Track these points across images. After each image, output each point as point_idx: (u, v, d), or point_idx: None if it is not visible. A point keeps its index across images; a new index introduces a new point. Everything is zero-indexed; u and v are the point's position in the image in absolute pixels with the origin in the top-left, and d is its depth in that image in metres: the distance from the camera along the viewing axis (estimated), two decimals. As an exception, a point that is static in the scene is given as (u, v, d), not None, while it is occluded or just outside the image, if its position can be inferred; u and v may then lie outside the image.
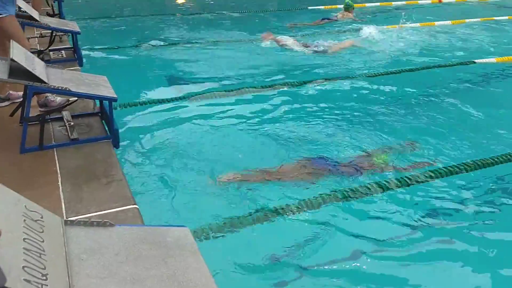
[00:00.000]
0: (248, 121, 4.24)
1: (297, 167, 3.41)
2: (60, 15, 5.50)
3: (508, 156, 3.48)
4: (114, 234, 1.39)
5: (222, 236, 2.67)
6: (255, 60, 6.02)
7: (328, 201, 2.99)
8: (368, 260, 2.57)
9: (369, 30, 7.01)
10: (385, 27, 7.46)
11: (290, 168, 3.41)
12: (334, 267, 2.55)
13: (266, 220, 2.81)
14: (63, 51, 4.61)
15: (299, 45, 6.47)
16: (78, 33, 4.28)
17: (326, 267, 2.54)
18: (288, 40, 6.57)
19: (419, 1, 10.15)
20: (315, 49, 6.33)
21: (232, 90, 4.85)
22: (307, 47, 6.43)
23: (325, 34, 7.38)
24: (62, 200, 2.29)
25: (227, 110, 4.45)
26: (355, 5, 8.88)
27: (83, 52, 4.61)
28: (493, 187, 3.31)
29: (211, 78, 5.39)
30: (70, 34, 4.52)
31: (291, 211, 2.89)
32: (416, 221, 2.91)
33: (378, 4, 10.10)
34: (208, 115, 4.32)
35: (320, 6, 9.75)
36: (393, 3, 10.04)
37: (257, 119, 4.29)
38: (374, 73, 5.49)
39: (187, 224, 1.61)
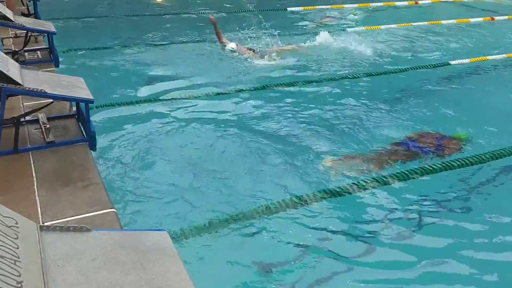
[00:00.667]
0: (228, 122, 4.26)
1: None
2: (36, 15, 5.38)
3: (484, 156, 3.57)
4: (91, 239, 1.37)
5: (203, 238, 2.67)
6: (232, 62, 6.03)
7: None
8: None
9: (324, 36, 6.83)
10: (362, 28, 7.58)
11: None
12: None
13: (250, 219, 2.83)
14: (38, 52, 4.51)
15: (245, 51, 6.28)
16: (54, 33, 4.20)
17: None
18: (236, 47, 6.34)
19: (396, 3, 10.30)
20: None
21: (212, 92, 4.85)
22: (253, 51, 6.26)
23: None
24: (38, 205, 2.24)
25: (207, 111, 4.44)
26: (334, 6, 8.99)
27: (59, 53, 4.53)
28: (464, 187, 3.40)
29: (189, 78, 5.37)
30: (45, 34, 4.43)
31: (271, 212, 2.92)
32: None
33: (356, 5, 10.22)
34: (187, 116, 4.30)
35: (299, 8, 9.82)
36: (371, 4, 10.18)
37: (236, 120, 4.31)
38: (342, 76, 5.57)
39: (166, 227, 1.61)
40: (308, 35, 7.16)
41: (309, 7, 9.53)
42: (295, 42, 6.78)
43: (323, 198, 3.07)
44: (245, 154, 3.68)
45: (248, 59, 6.10)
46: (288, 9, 9.51)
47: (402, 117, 4.47)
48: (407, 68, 5.81)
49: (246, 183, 3.26)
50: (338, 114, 4.53)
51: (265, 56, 6.18)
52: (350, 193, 3.14)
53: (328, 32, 6.98)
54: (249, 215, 2.87)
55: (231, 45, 6.31)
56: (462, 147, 3.75)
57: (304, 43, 6.75)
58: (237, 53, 6.24)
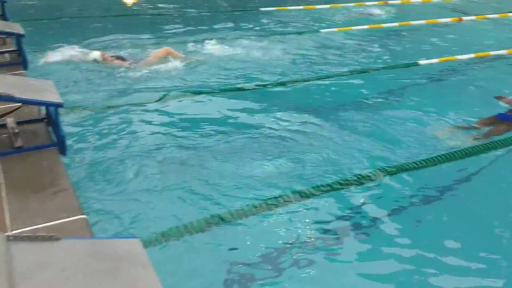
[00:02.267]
0: (200, 124, 4.26)
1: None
2: (4, 16, 5.26)
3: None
4: (60, 248, 1.36)
5: (177, 243, 2.66)
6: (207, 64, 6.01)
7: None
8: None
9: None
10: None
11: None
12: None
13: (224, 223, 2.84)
14: (6, 55, 4.42)
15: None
16: (23, 35, 4.11)
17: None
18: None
19: (341, 4, 10.42)
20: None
21: (183, 94, 4.84)
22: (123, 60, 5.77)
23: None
24: (7, 212, 2.20)
25: (179, 114, 4.43)
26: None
27: (28, 55, 4.43)
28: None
29: (160, 81, 5.33)
30: (14, 36, 4.34)
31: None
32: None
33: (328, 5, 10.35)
34: (158, 120, 4.28)
35: (272, 8, 9.88)
36: (317, 6, 10.22)
37: (208, 122, 4.31)
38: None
39: (138, 234, 1.60)
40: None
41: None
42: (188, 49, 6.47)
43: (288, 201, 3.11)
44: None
45: (119, 68, 5.60)
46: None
47: (370, 121, 4.54)
48: (380, 68, 5.92)
49: (215, 187, 3.26)
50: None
51: (141, 64, 5.65)
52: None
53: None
54: (224, 217, 2.89)
55: (94, 55, 5.72)
56: None
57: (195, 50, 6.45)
58: (102, 63, 5.66)
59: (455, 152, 3.70)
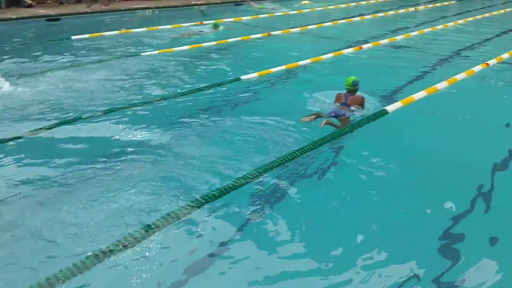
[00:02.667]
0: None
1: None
2: None
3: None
4: None
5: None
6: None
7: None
8: None
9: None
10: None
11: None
12: None
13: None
14: None
15: None
16: None
17: None
18: None
19: (158, 27, 10.58)
20: None
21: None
22: None
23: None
24: None
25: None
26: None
27: None
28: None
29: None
30: None
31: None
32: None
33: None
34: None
35: (85, 35, 9.31)
36: (133, 30, 10.17)
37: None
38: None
39: None
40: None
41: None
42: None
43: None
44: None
45: None
46: None
47: (207, 133, 4.55)
48: (205, 86, 5.99)
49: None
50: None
51: None
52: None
53: None
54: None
55: None
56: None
57: None
58: None
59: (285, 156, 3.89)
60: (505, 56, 7.83)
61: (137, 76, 6.59)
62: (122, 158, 4.04)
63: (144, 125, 4.76)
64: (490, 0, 17.80)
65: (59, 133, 4.54)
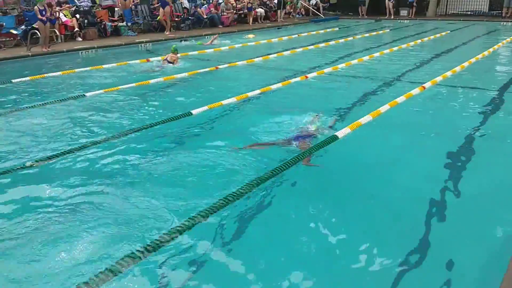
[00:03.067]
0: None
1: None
2: None
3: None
4: None
5: None
6: None
7: None
8: None
9: None
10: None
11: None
12: None
13: None
14: None
15: None
16: None
17: None
18: None
19: (103, 66, 10.46)
20: None
21: None
22: None
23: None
24: None
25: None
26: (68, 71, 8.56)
27: None
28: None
29: None
30: None
31: None
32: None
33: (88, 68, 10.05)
34: None
35: (27, 78, 9.03)
36: (76, 70, 10.01)
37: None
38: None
39: None
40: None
41: None
42: None
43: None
44: None
45: None
46: None
47: (158, 171, 4.49)
48: (156, 123, 5.94)
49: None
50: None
51: None
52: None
53: None
54: None
55: None
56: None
57: None
58: None
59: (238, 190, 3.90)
60: (438, 78, 8.38)
61: (82, 117, 6.42)
62: (68, 204, 3.87)
63: (91, 168, 4.62)
64: (421, 28, 19.14)
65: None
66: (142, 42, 14.24)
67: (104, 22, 15.20)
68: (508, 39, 14.24)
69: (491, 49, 12.16)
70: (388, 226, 3.54)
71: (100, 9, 15.95)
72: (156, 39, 14.86)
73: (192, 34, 16.24)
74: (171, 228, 3.36)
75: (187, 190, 4.11)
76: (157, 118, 6.19)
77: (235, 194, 3.83)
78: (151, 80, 8.72)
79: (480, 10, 22.75)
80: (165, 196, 3.96)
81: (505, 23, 19.51)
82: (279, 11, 21.84)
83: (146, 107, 7.06)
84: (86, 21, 14.63)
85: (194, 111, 6.39)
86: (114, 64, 10.67)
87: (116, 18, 15.98)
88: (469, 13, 22.88)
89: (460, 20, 21.07)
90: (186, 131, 5.79)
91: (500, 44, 13.24)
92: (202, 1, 19.87)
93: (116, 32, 15.65)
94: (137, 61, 11.25)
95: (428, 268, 2.98)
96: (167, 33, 15.95)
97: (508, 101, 7.06)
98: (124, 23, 15.92)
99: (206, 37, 15.40)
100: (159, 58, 10.87)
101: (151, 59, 11.45)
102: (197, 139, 5.54)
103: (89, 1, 15.75)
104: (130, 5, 16.31)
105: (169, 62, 10.47)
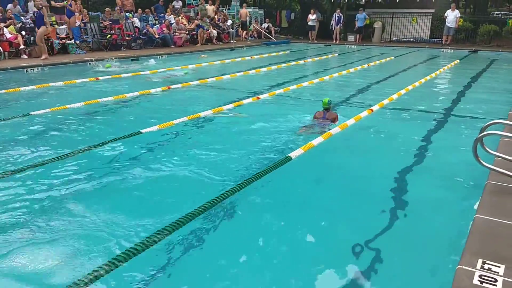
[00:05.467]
0: None
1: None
2: None
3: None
4: None
5: None
6: None
7: None
8: None
9: None
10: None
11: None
12: None
13: None
14: None
15: None
16: None
17: None
18: None
19: (49, 84, 10.08)
20: None
21: None
22: None
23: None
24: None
25: None
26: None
27: None
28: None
29: None
30: None
31: None
32: None
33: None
34: None
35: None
36: (21, 88, 9.53)
37: None
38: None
39: None
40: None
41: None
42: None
43: None
44: None
45: None
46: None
47: (105, 192, 4.32)
48: (103, 142, 5.74)
49: None
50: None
51: None
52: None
53: None
54: None
55: None
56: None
57: None
58: None
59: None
60: (385, 102, 8.72)
61: (28, 137, 6.11)
62: (6, 226, 3.63)
63: (36, 190, 4.38)
64: (368, 53, 19.98)
65: None
66: (91, 60, 13.88)
67: (51, 40, 14.71)
68: (449, 65, 15.13)
69: (433, 74, 12.86)
70: (342, 239, 3.57)
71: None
72: (106, 57, 14.54)
73: (144, 54, 16.05)
74: (117, 255, 3.21)
75: (135, 212, 3.96)
76: (105, 137, 5.98)
77: (183, 219, 3.73)
78: (100, 99, 8.47)
79: (422, 37, 24.09)
80: (114, 218, 3.80)
81: (445, 50, 20.75)
82: (245, 31, 22.15)
83: (94, 126, 6.84)
84: (32, 38, 14.09)
85: (144, 130, 6.24)
86: (61, 83, 10.30)
87: (63, 35, 15.51)
88: (411, 40, 24.16)
89: (404, 46, 22.19)
90: (135, 150, 5.63)
91: (441, 69, 14.02)
92: (154, 21, 19.76)
93: (64, 50, 15.18)
94: (86, 79, 10.93)
95: None
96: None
97: (449, 121, 7.47)
98: (73, 41, 15.49)
99: (110, 59, 14.13)
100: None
101: (100, 78, 11.17)
102: (146, 158, 5.40)
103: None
104: (75, 22, 15.86)
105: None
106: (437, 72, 13.44)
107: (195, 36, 20.41)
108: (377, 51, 20.76)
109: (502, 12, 32.66)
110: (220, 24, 22.23)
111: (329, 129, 6.34)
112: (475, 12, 28.24)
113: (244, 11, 23.63)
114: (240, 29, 23.95)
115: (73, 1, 16.25)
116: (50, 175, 4.74)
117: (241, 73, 12.73)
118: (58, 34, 15.42)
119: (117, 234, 3.54)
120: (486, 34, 21.88)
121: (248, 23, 24.46)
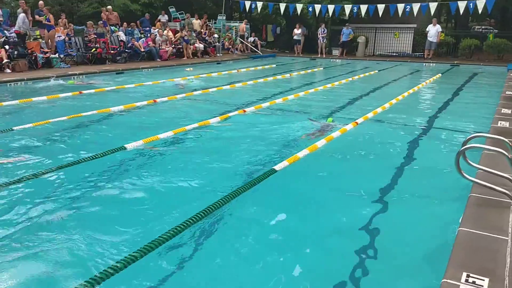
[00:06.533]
0: None
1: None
2: None
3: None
4: None
5: None
6: None
7: None
8: None
9: None
10: None
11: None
12: None
13: None
14: None
15: None
16: None
17: None
18: None
19: (32, 99, 9.94)
20: None
21: None
22: None
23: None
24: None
25: None
26: None
27: None
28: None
29: None
30: None
31: None
32: None
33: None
34: None
35: None
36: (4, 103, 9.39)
37: None
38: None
39: None
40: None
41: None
42: None
43: None
44: None
45: None
46: None
47: (87, 209, 4.25)
48: (87, 158, 5.66)
49: None
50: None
51: None
52: None
53: None
54: None
55: None
56: None
57: None
58: None
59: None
60: (370, 115, 8.81)
61: (9, 152, 6.00)
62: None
63: (17, 206, 4.29)
64: (352, 67, 20.24)
65: None
66: (75, 74, 13.78)
67: (35, 54, 14.59)
68: (431, 79, 15.39)
69: (416, 88, 13.05)
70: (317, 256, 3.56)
71: (31, 40, 15.32)
72: (90, 71, 14.46)
73: (129, 67, 16.01)
74: (102, 272, 3.14)
75: (117, 231, 3.90)
76: (88, 152, 5.90)
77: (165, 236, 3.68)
78: (83, 113, 8.39)
79: (405, 51, 24.52)
80: (94, 236, 3.74)
81: (427, 64, 21.12)
82: (240, 44, 22.27)
83: (77, 141, 6.75)
84: (16, 52, 13.95)
85: (128, 145, 6.18)
86: (44, 97, 10.18)
87: (47, 49, 15.39)
88: (394, 54, 24.57)
89: (387, 60, 22.54)
90: (119, 166, 5.57)
91: (424, 83, 14.25)
92: (140, 35, 19.77)
93: (48, 64, 15.05)
94: (69, 93, 10.84)
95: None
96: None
97: (432, 134, 7.57)
98: (57, 55, 15.38)
99: (75, 77, 13.57)
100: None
101: (84, 91, 11.09)
102: (130, 174, 5.33)
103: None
104: (55, 36, 15.76)
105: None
106: (420, 85, 13.65)
107: (181, 50, 20.45)
108: (361, 65, 21.04)
109: (483, 27, 33.57)
110: (206, 38, 22.33)
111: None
112: (456, 26, 28.91)
113: (242, 25, 25.37)
114: (226, 42, 24.14)
115: (51, 15, 16.14)
116: (31, 191, 4.65)
117: (228, 86, 12.76)
118: (42, 48, 15.30)
119: (98, 251, 3.48)
120: (467, 48, 22.36)
121: (234, 37, 24.72)
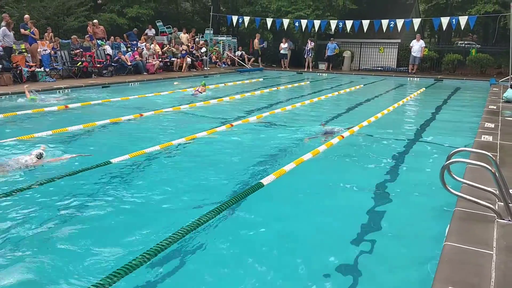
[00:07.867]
0: None
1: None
2: None
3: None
4: None
5: None
6: None
7: None
8: None
9: None
10: None
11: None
12: None
13: None
14: None
15: None
16: None
17: None
18: None
19: (17, 113, 9.86)
20: None
21: None
22: None
23: None
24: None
25: None
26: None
27: None
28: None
29: None
30: None
31: None
32: None
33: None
34: None
35: None
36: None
37: None
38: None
39: None
40: None
41: None
42: None
43: None
44: None
45: None
46: None
47: (72, 225, 4.18)
48: (69, 173, 5.59)
49: None
50: None
51: None
52: None
53: None
54: None
55: None
56: None
57: None
58: None
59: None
60: (356, 128, 8.88)
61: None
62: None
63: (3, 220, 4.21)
64: (338, 81, 20.45)
65: None
66: (61, 88, 13.67)
67: (20, 67, 14.45)
68: (416, 93, 15.62)
69: (400, 102, 13.23)
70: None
71: (16, 53, 15.19)
72: (76, 85, 14.36)
73: (115, 81, 15.94)
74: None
75: (102, 247, 3.84)
76: (74, 168, 5.83)
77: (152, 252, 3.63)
78: (68, 128, 8.30)
79: (389, 66, 24.89)
80: (76, 253, 3.67)
81: (411, 78, 21.46)
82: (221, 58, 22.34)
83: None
84: (0, 66, 13.80)
85: (113, 160, 6.11)
86: (29, 111, 10.07)
87: (32, 63, 15.26)
88: (379, 68, 24.92)
89: (372, 75, 22.84)
90: (104, 181, 5.50)
91: (408, 97, 14.45)
92: (126, 49, 19.75)
93: (33, 77, 14.92)
94: (55, 108, 10.73)
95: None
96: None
97: (417, 149, 7.65)
98: (42, 69, 15.26)
99: (32, 92, 12.28)
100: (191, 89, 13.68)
101: (69, 106, 10.99)
102: (115, 189, 5.27)
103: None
104: (37, 50, 15.65)
105: (200, 92, 13.71)
106: (404, 100, 13.84)
107: (168, 64, 20.46)
108: (347, 79, 21.28)
109: (465, 42, 34.27)
110: (194, 51, 22.39)
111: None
112: (439, 42, 29.55)
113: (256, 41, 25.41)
114: (214, 56, 24.26)
115: (36, 29, 16.03)
116: (13, 206, 4.57)
117: (215, 101, 12.77)
118: (27, 62, 15.17)
119: (83, 266, 3.42)
120: (450, 63, 22.78)
121: (221, 51, 24.86)
